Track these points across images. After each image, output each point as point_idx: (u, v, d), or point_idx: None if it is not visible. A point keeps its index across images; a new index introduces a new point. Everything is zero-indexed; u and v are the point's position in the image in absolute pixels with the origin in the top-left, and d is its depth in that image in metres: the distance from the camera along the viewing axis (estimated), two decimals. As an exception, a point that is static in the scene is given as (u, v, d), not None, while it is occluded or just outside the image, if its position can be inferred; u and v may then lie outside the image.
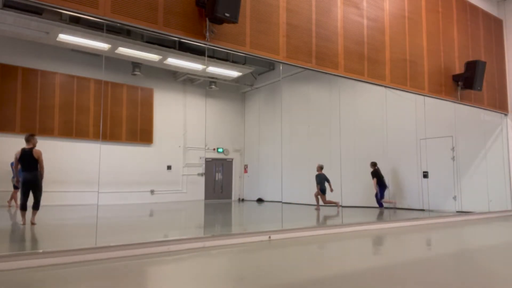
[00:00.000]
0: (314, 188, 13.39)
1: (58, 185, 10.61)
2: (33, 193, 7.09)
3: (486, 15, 11.04)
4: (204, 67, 13.24)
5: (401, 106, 11.00)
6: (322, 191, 11.40)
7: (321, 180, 11.42)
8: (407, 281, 3.90)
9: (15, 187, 9.96)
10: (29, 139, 7.17)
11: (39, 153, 7.12)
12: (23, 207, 7.05)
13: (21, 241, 6.37)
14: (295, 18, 6.87)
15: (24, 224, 7.13)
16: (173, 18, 5.57)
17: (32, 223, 7.08)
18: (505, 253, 5.60)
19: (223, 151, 16.27)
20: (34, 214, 7.09)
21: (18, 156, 7.06)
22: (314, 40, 7.10)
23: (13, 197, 10.10)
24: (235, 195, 16.37)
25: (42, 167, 7.12)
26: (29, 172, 7.03)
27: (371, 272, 4.20)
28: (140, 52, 11.86)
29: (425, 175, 11.15)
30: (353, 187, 12.37)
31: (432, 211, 10.48)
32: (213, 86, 15.29)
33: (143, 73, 13.57)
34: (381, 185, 11.60)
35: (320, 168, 11.65)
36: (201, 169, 15.36)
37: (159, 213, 11.79)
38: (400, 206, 11.43)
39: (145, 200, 13.47)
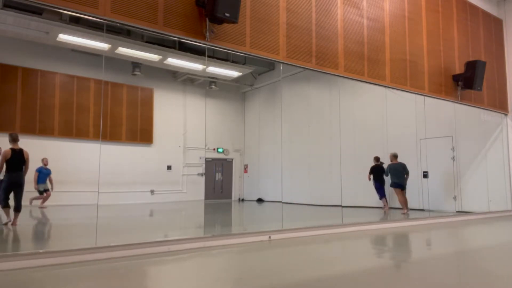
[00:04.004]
0: (313, 188, 13.40)
1: (58, 185, 10.60)
2: (17, 194, 6.93)
3: (486, 15, 11.04)
4: (204, 67, 13.24)
5: (401, 106, 11.00)
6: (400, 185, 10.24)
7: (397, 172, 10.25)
8: (407, 281, 3.90)
9: (41, 193, 10.12)
10: (18, 139, 7.00)
11: (28, 154, 7.07)
12: (7, 205, 6.91)
13: (21, 241, 6.37)
14: (295, 18, 6.87)
15: (11, 222, 6.98)
16: (173, 18, 5.57)
17: (14, 224, 6.95)
18: (505, 253, 5.59)
19: (223, 151, 16.27)
20: (17, 216, 6.97)
21: (8, 156, 6.84)
22: (314, 40, 7.10)
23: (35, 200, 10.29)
24: (235, 195, 16.37)
25: (27, 168, 7.08)
26: (16, 172, 6.89)
27: (371, 272, 4.20)
28: (140, 52, 11.86)
29: (425, 175, 11.14)
30: (353, 187, 12.37)
31: (432, 211, 10.48)
32: (213, 86, 15.29)
33: (143, 73, 13.57)
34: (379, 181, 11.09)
35: (394, 156, 10.37)
36: (201, 169, 15.35)
37: (159, 213, 11.79)
38: (399, 206, 11.43)
39: (145, 200, 13.46)
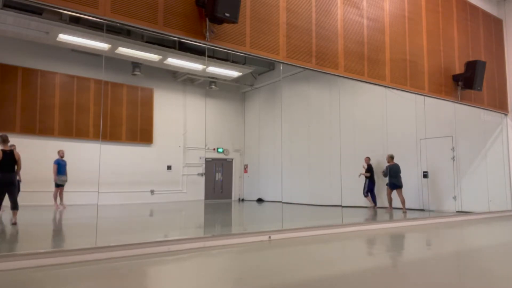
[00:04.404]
0: (313, 188, 13.40)
1: (58, 185, 10.62)
2: (12, 193, 7.09)
3: (486, 15, 11.04)
4: (204, 67, 13.24)
5: (401, 106, 11.00)
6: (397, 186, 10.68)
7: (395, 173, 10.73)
8: (407, 281, 3.90)
9: (57, 185, 10.17)
10: (7, 140, 7.16)
11: (19, 155, 7.23)
12: None
13: (21, 241, 6.37)
14: (295, 18, 6.87)
15: None
16: (173, 18, 5.57)
17: (14, 223, 7.11)
18: (505, 253, 5.60)
19: (223, 151, 16.27)
20: (15, 214, 7.13)
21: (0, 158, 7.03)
22: (314, 40, 7.10)
23: (56, 195, 10.35)
24: (235, 195, 16.36)
25: (20, 168, 7.24)
26: (9, 173, 7.06)
27: (371, 272, 4.20)
28: (140, 52, 11.86)
29: (425, 175, 11.15)
30: (353, 187, 12.37)
31: (432, 211, 10.48)
32: (213, 86, 15.29)
33: (143, 73, 13.57)
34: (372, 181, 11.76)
35: (391, 158, 10.86)
36: (201, 169, 15.35)
37: (159, 213, 11.79)
38: (399, 206, 11.43)
39: (145, 200, 13.46)
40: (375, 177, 11.73)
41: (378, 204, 11.73)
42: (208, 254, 5.19)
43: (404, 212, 10.34)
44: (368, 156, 11.84)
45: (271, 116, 14.71)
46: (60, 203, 10.43)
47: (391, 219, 9.70)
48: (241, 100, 17.05)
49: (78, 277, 3.98)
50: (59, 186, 10.25)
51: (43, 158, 10.32)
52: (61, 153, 10.32)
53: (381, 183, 11.70)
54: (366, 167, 11.73)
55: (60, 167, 10.22)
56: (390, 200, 10.81)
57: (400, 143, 11.75)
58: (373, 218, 10.21)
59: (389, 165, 10.87)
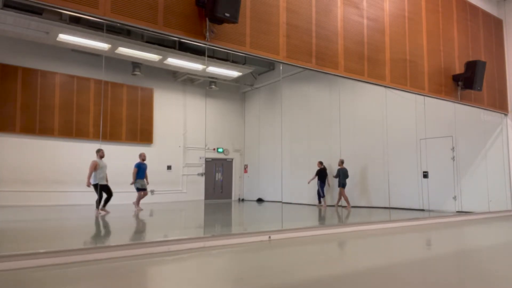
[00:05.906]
0: (313, 188, 13.42)
1: (58, 185, 10.61)
2: None
3: (486, 15, 11.03)
4: (204, 67, 13.24)
5: (401, 106, 11.00)
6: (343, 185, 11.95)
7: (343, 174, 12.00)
8: (407, 282, 3.90)
9: (138, 189, 10.00)
10: None
11: None
12: None
13: (21, 241, 6.37)
14: (295, 18, 6.87)
15: None
16: (173, 18, 5.57)
17: None
18: (505, 253, 5.60)
19: (223, 151, 16.26)
20: None
21: None
22: (314, 40, 7.10)
23: (139, 199, 10.26)
24: (235, 195, 16.36)
25: None
26: None
27: (371, 272, 4.20)
28: (140, 52, 11.86)
29: (425, 175, 11.15)
30: (353, 187, 12.37)
31: (432, 211, 10.48)
32: (213, 86, 15.29)
33: (143, 73, 13.56)
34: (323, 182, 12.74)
35: (342, 162, 11.98)
36: (201, 169, 15.35)
37: (159, 213, 11.79)
38: (399, 206, 11.42)
39: (145, 200, 13.44)
40: (327, 179, 12.71)
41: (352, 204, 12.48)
42: (208, 254, 5.19)
43: (348, 209, 11.49)
44: (320, 160, 12.66)
45: (271, 116, 14.71)
46: (135, 206, 10.19)
47: (350, 214, 10.43)
48: (241, 100, 17.05)
49: (78, 277, 3.98)
50: (140, 190, 10.04)
51: (44, 158, 10.31)
52: (143, 156, 9.97)
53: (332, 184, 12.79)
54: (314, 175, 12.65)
55: (140, 171, 9.98)
56: (346, 199, 11.81)
57: (400, 143, 11.75)
58: (324, 217, 10.66)
59: (339, 168, 11.88)
